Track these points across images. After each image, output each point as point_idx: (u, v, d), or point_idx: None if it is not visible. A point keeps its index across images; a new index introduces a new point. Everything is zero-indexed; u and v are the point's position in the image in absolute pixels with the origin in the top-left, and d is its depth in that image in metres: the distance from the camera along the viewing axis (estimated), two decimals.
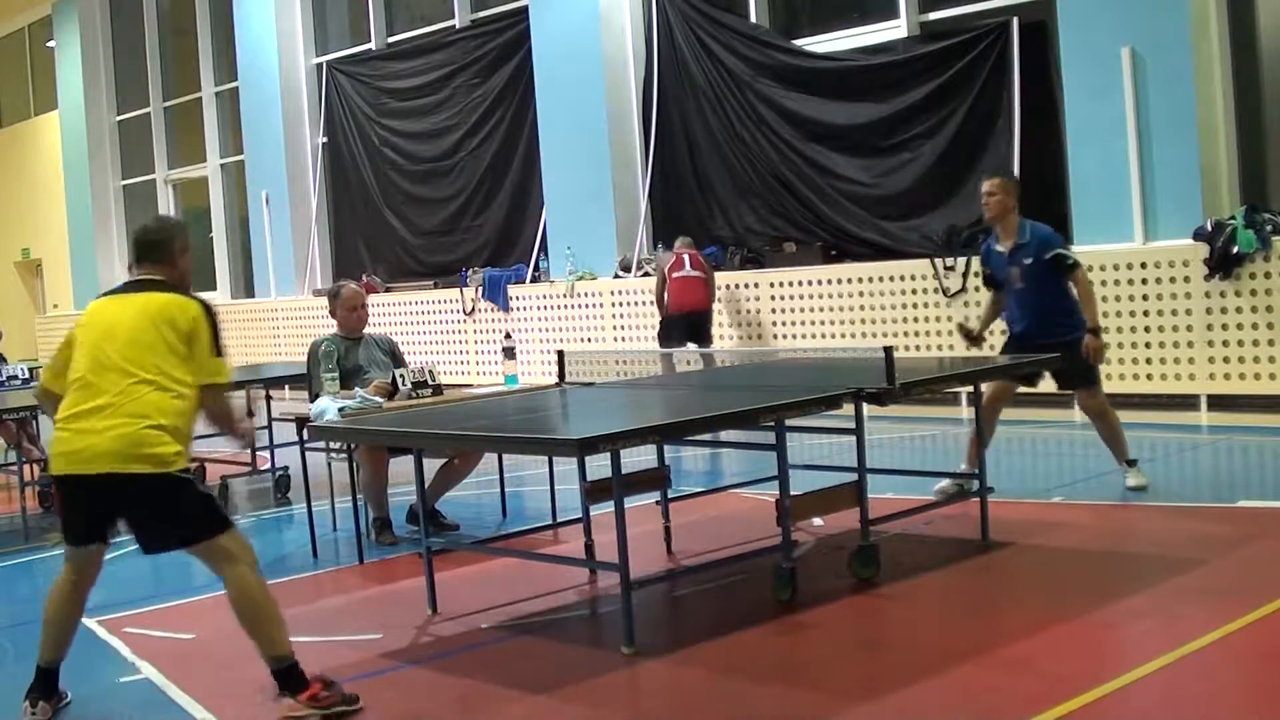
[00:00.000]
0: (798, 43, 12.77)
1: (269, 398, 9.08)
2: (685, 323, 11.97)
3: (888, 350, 5.40)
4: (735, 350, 11.96)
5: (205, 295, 4.69)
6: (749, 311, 12.49)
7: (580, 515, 5.96)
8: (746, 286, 12.51)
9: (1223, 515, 6.37)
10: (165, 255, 4.52)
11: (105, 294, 4.58)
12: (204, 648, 5.04)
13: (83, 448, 4.17)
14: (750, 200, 13.03)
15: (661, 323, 12.18)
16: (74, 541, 4.37)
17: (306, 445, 6.82)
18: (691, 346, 11.79)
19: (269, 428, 8.68)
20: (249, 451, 8.66)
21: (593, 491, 5.54)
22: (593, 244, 13.83)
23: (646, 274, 13.35)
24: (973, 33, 11.24)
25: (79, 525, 4.35)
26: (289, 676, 4.22)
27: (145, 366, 4.23)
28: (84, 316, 4.49)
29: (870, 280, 11.58)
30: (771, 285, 12.30)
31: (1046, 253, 6.83)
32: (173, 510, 4.23)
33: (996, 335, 10.67)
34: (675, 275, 11.95)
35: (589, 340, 13.64)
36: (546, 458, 6.87)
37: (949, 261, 11.00)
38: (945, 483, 6.83)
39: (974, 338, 7.18)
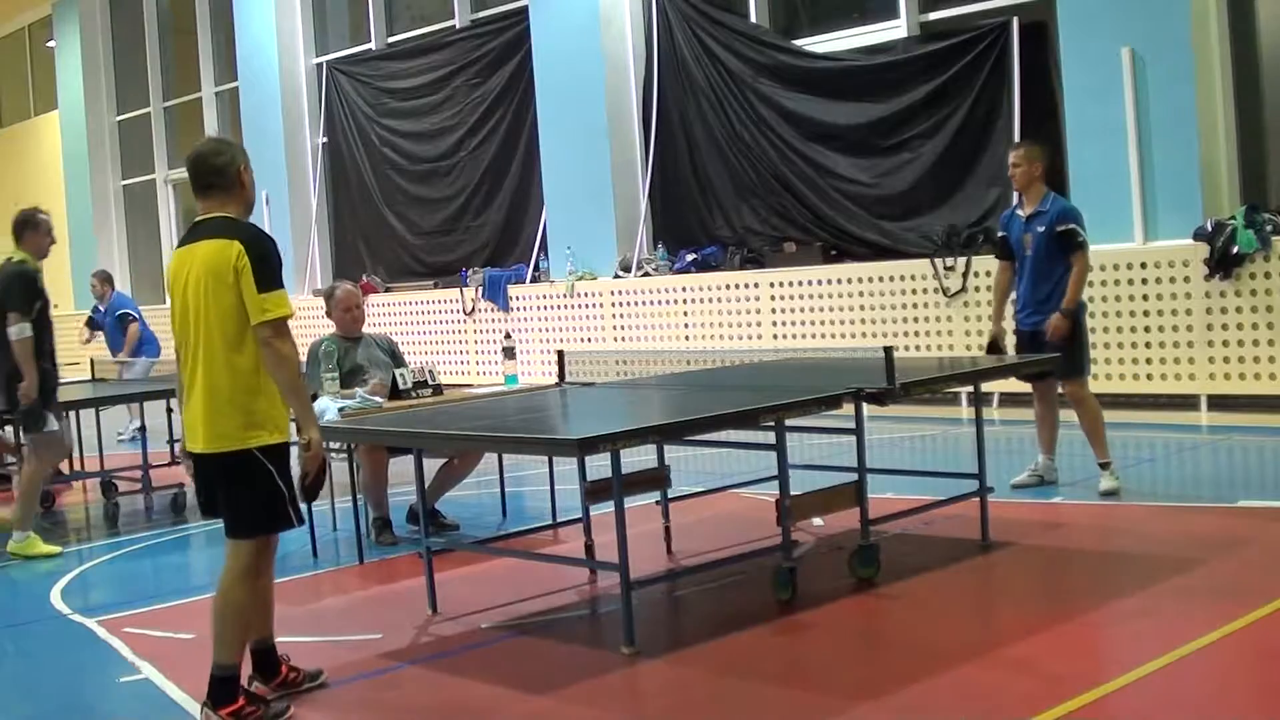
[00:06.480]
0: (798, 43, 12.76)
1: None
2: None
3: (888, 350, 5.40)
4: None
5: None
6: (749, 311, 12.49)
7: (580, 515, 5.96)
8: (746, 286, 12.51)
9: (1223, 515, 6.36)
10: (222, 181, 4.27)
11: (181, 244, 4.34)
12: (204, 648, 5.01)
13: (186, 429, 4.31)
14: (750, 200, 13.02)
15: None
16: (209, 516, 4.48)
17: None
18: None
19: None
20: None
21: (593, 491, 5.54)
22: (593, 244, 13.83)
23: (646, 274, 13.35)
24: (972, 33, 11.23)
25: (204, 502, 4.41)
26: (223, 686, 4.16)
27: (206, 337, 4.19)
28: (169, 276, 4.35)
29: (870, 280, 11.58)
30: (771, 285, 12.29)
31: (1060, 225, 6.81)
32: (235, 490, 4.23)
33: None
34: None
35: (589, 340, 13.63)
36: (546, 458, 6.88)
37: (949, 261, 10.99)
38: (1023, 475, 7.13)
39: (998, 348, 7.13)
